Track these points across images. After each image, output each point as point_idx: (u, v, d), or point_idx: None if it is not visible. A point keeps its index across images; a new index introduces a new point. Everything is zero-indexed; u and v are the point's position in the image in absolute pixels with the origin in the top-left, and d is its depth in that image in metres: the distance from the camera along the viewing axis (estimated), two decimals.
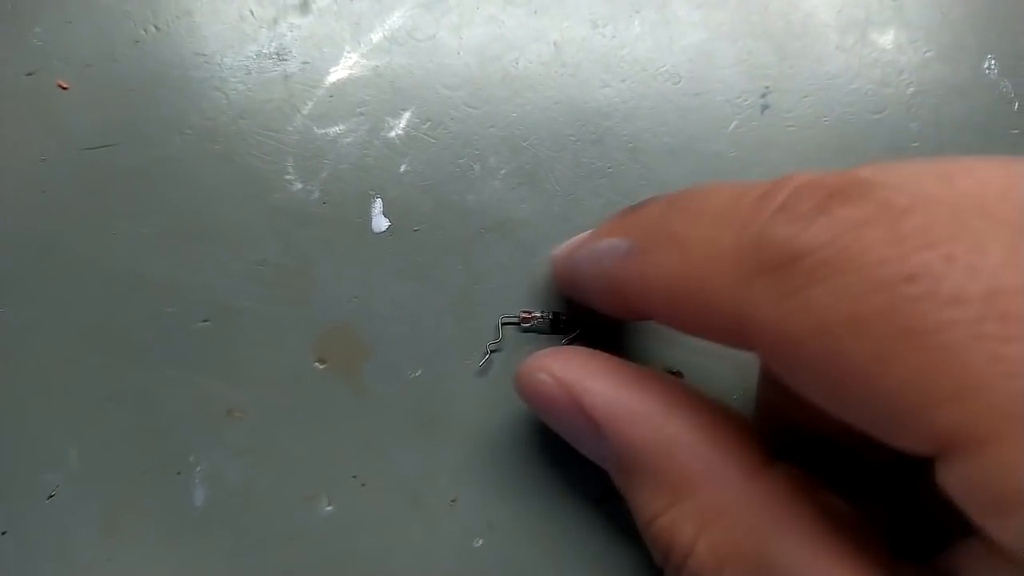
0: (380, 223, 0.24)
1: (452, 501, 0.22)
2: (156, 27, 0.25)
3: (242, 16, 0.25)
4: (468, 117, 0.25)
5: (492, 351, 0.23)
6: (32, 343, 0.23)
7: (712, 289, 0.15)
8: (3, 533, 0.22)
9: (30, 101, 0.24)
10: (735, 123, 0.25)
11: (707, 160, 0.25)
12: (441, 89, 0.25)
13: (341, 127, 0.25)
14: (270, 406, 0.23)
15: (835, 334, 0.13)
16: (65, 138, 0.24)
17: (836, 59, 0.26)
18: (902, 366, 0.12)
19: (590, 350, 0.19)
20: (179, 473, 0.22)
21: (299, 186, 0.24)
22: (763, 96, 0.25)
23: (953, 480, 0.13)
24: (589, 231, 0.21)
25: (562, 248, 0.22)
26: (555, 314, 0.23)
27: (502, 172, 0.24)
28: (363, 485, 0.22)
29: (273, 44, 0.25)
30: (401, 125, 0.25)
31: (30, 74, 0.25)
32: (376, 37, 0.25)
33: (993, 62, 0.26)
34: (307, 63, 0.25)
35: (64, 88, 0.25)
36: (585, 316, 0.23)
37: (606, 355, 0.19)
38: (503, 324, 0.23)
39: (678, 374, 0.23)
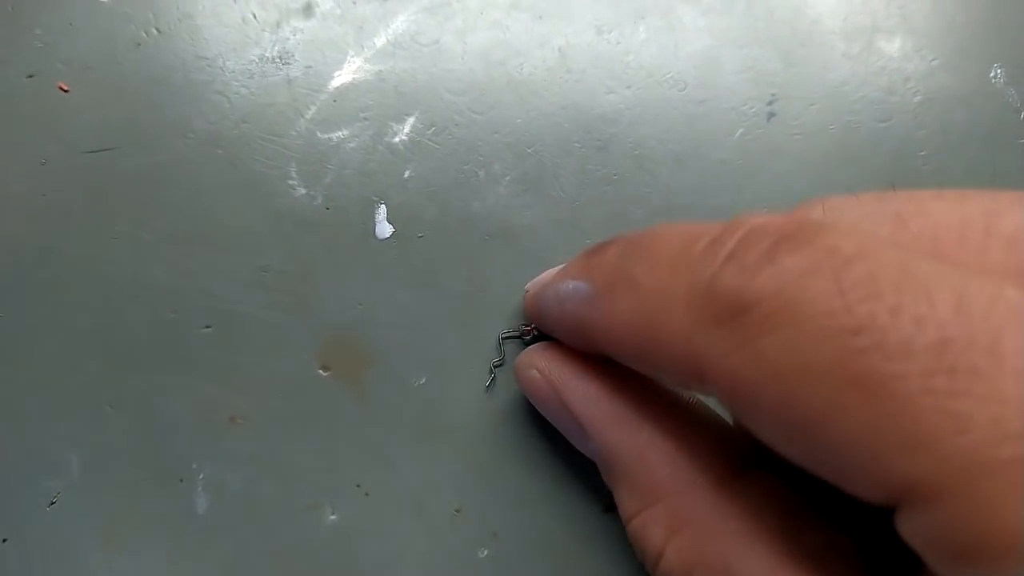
0: (384, 229, 0.24)
1: (457, 511, 0.22)
2: (158, 30, 0.25)
3: (245, 19, 0.25)
4: (472, 123, 0.25)
5: (496, 367, 0.23)
6: (32, 349, 0.23)
7: (668, 335, 0.15)
8: (3, 540, 0.22)
9: (30, 103, 0.24)
10: (741, 130, 0.25)
11: (712, 167, 0.25)
12: (445, 94, 0.25)
13: (345, 132, 0.24)
14: (273, 413, 0.23)
15: (789, 383, 0.13)
16: (66, 141, 0.24)
17: (842, 67, 0.25)
18: (854, 417, 0.12)
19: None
20: (181, 480, 0.22)
21: (302, 191, 0.24)
22: (769, 103, 0.25)
23: (910, 530, 0.13)
24: (557, 268, 0.21)
25: (534, 284, 0.22)
26: None
27: (507, 179, 0.24)
28: (367, 494, 0.22)
29: (276, 48, 0.25)
30: (405, 131, 0.24)
31: (30, 76, 0.24)
32: (380, 41, 0.25)
33: (999, 70, 0.25)
34: (310, 67, 0.25)
35: (65, 91, 0.24)
36: None
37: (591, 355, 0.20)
38: (503, 339, 0.23)
39: None
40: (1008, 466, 0.11)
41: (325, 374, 0.23)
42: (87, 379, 0.23)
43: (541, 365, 0.20)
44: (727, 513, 0.16)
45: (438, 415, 0.23)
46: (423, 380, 0.23)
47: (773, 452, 0.18)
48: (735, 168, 0.25)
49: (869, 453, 0.12)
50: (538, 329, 0.22)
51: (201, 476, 0.22)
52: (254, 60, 0.25)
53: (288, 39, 0.25)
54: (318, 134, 0.24)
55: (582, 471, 0.22)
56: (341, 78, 0.25)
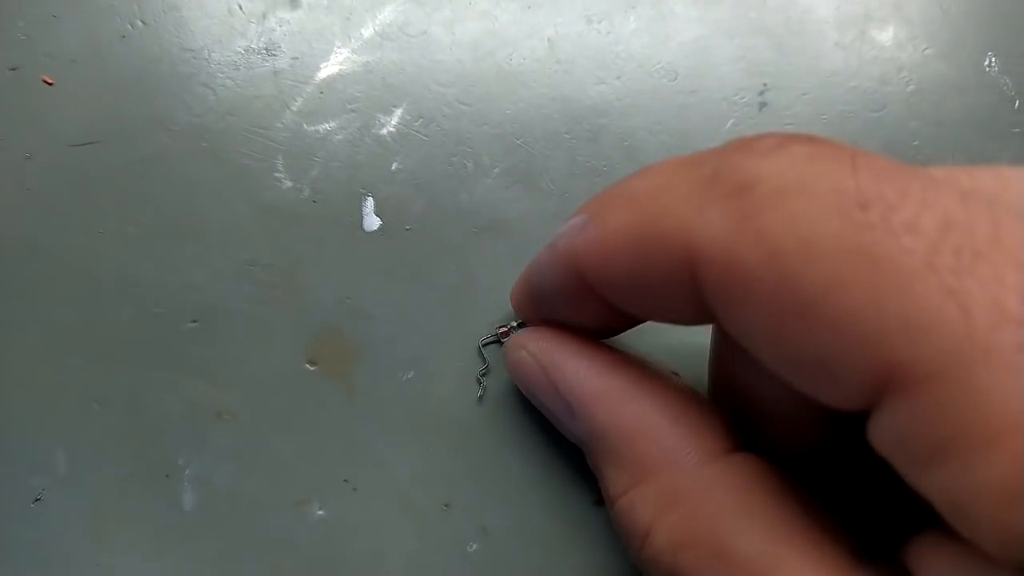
0: (371, 222, 0.24)
1: (445, 505, 0.22)
2: (143, 22, 0.25)
3: (231, 10, 0.25)
4: (461, 114, 0.24)
5: (483, 376, 0.23)
6: (16, 344, 0.23)
7: (663, 228, 0.15)
8: None
9: (14, 97, 0.24)
10: (732, 121, 0.25)
11: None
12: (433, 86, 0.24)
13: (332, 124, 0.24)
14: (260, 408, 0.22)
15: (787, 261, 0.13)
16: (50, 135, 0.24)
17: (835, 56, 0.25)
18: (853, 293, 0.12)
19: (569, 329, 0.20)
20: (168, 476, 0.22)
21: (289, 184, 0.24)
22: (761, 93, 0.25)
23: (886, 429, 0.13)
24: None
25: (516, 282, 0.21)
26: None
27: (496, 170, 0.24)
28: (355, 489, 0.22)
29: (262, 39, 0.25)
30: (393, 122, 0.24)
31: (14, 69, 0.24)
32: (367, 32, 0.25)
33: (993, 59, 0.25)
34: (297, 59, 0.24)
35: (49, 84, 0.24)
36: None
37: (583, 335, 0.19)
38: (483, 346, 0.23)
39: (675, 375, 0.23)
40: (1004, 351, 0.11)
41: (312, 368, 0.23)
42: (72, 375, 0.22)
43: (531, 347, 0.20)
44: (722, 489, 0.16)
45: (427, 409, 0.23)
46: (411, 374, 0.23)
47: (746, 414, 0.18)
48: None
49: (864, 333, 0.12)
50: (517, 324, 0.22)
51: (187, 472, 0.22)
52: (240, 52, 0.24)
53: (274, 30, 0.25)
54: (305, 126, 0.24)
55: (572, 465, 0.22)
56: (328, 69, 0.24)
